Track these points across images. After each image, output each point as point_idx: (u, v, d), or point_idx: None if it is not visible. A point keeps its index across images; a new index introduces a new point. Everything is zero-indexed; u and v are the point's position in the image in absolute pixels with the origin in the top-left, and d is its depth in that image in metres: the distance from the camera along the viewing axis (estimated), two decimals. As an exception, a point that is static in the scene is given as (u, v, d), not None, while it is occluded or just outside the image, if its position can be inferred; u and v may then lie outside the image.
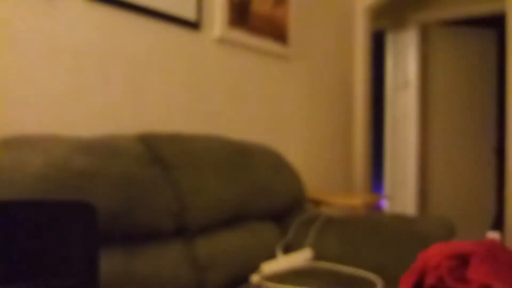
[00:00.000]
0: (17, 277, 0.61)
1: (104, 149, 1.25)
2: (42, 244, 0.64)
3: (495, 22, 3.96)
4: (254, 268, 1.52)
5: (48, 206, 0.66)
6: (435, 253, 0.68)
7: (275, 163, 1.80)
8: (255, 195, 1.64)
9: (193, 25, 1.86)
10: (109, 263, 1.14)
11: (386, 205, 3.96)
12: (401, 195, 3.78)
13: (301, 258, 1.60)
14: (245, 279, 1.48)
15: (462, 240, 0.74)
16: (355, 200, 2.08)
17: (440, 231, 1.46)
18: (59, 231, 0.65)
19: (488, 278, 0.60)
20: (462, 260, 0.65)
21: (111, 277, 1.12)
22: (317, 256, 1.64)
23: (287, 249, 1.70)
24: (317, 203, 2.21)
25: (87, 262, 0.67)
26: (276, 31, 2.30)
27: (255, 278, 1.41)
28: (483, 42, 3.79)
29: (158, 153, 1.43)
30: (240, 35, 2.09)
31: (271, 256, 1.60)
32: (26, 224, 0.63)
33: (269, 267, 1.51)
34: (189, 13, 1.84)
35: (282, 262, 1.55)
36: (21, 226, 0.63)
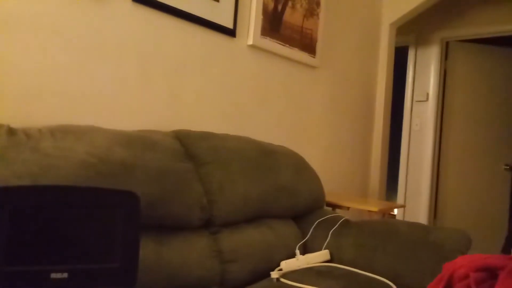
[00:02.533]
0: (63, 259, 0.62)
1: (142, 143, 1.25)
2: (89, 228, 0.64)
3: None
4: (274, 264, 1.50)
5: (96, 193, 0.66)
6: (462, 265, 0.65)
7: (297, 165, 1.78)
8: (277, 194, 1.62)
9: (229, 32, 1.86)
10: (141, 251, 1.14)
11: (397, 214, 3.89)
12: (413, 205, 3.71)
13: (319, 258, 1.58)
14: (265, 274, 1.46)
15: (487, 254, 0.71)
16: (373, 206, 2.05)
17: (456, 243, 1.42)
18: (104, 216, 0.65)
19: (517, 293, 0.57)
20: (490, 274, 0.62)
21: (142, 264, 1.12)
22: (334, 258, 1.61)
23: (305, 249, 1.68)
24: (334, 206, 2.18)
25: (128, 247, 0.67)
26: (305, 42, 2.29)
27: (274, 275, 1.40)
28: (504, 60, 3.69)
29: (191, 149, 1.43)
30: (271, 44, 2.08)
31: (290, 254, 1.58)
32: (75, 209, 0.63)
33: (288, 265, 1.49)
34: (226, 21, 1.84)
35: (300, 261, 1.53)
36: (69, 210, 0.63)
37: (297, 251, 1.58)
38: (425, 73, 3.69)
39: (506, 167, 3.66)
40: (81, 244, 0.64)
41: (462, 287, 0.62)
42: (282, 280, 1.36)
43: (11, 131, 1.07)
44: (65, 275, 0.63)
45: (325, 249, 1.63)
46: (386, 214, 2.28)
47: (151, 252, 1.16)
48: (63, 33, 1.34)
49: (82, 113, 1.40)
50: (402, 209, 3.78)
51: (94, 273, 0.64)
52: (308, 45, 2.30)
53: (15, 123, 1.24)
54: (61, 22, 1.33)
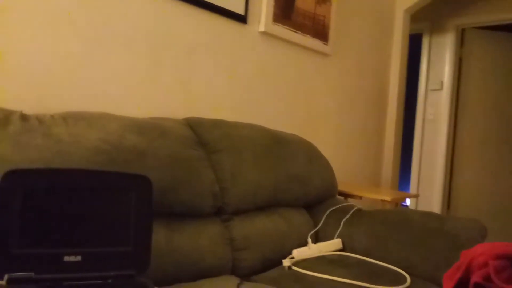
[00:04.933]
0: (76, 242, 0.62)
1: (154, 129, 1.25)
2: (102, 212, 0.64)
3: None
4: (286, 253, 1.50)
5: (109, 177, 0.66)
6: (482, 252, 0.63)
7: (309, 154, 1.77)
8: (289, 183, 1.61)
9: (241, 19, 1.84)
10: (153, 237, 1.14)
11: (409, 204, 3.86)
12: (426, 195, 3.67)
13: (331, 247, 1.57)
14: (277, 262, 1.46)
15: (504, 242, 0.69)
16: (385, 196, 2.03)
17: (471, 232, 1.39)
18: (118, 200, 0.65)
19: (539, 281, 0.56)
20: (511, 262, 0.61)
21: (154, 250, 1.12)
22: (346, 247, 1.60)
23: (317, 238, 1.67)
24: (346, 195, 2.16)
25: (141, 231, 0.66)
26: (318, 28, 2.25)
27: (286, 263, 1.39)
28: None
29: (202, 137, 1.43)
30: (283, 30, 2.05)
31: (302, 243, 1.57)
32: (88, 192, 0.63)
33: (300, 253, 1.49)
34: (238, 7, 1.81)
35: (312, 250, 1.52)
36: (83, 194, 0.63)
37: (309, 240, 1.58)
38: (440, 61, 3.62)
39: (522, 157, 3.60)
40: (94, 227, 0.64)
41: (481, 275, 0.61)
42: (294, 268, 1.36)
43: (23, 117, 1.07)
44: (78, 258, 0.63)
45: (337, 238, 1.62)
46: (399, 204, 2.26)
47: (162, 238, 1.16)
48: (74, 20, 1.33)
49: (93, 100, 1.40)
50: (414, 199, 3.75)
51: (107, 256, 0.64)
52: (320, 32, 2.27)
53: (28, 110, 1.24)
54: (72, 10, 1.32)
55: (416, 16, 3.74)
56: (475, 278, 0.62)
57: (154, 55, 1.56)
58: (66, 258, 0.62)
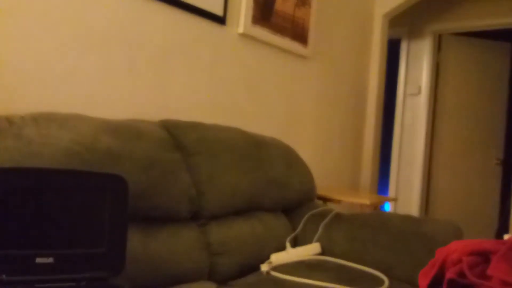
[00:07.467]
0: (48, 243, 0.61)
1: (129, 132, 1.24)
2: (75, 212, 0.63)
3: (510, 35, 3.91)
4: (264, 257, 1.51)
5: (83, 176, 0.65)
6: (456, 249, 0.66)
7: (288, 158, 1.79)
8: (268, 186, 1.62)
9: (219, 20, 1.85)
10: (128, 242, 1.13)
11: (389, 208, 3.93)
12: (404, 199, 3.75)
13: (309, 251, 1.59)
14: (254, 267, 1.47)
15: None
16: (364, 200, 2.06)
17: (448, 234, 1.44)
18: (91, 200, 0.65)
19: (509, 276, 0.59)
20: (483, 258, 0.64)
21: (129, 255, 1.12)
22: (325, 251, 1.63)
23: (296, 242, 1.69)
24: (325, 199, 2.19)
25: (115, 232, 0.66)
26: (297, 31, 2.29)
27: (264, 267, 1.40)
28: (497, 54, 3.75)
29: (179, 139, 1.43)
30: (262, 32, 2.07)
31: (280, 247, 1.59)
32: (61, 192, 0.62)
33: (278, 258, 1.50)
34: (216, 8, 1.83)
35: (291, 254, 1.54)
36: (56, 194, 0.62)
37: (288, 244, 1.59)
38: (418, 66, 3.73)
39: (497, 161, 3.72)
40: (67, 228, 0.63)
41: (455, 271, 0.63)
42: (272, 273, 1.37)
43: (-8, 118, 1.05)
44: (51, 259, 0.62)
45: (316, 242, 1.65)
46: (378, 207, 2.31)
47: (138, 243, 1.16)
48: (47, 19, 1.32)
49: (66, 101, 1.38)
50: (393, 204, 3.82)
51: (80, 258, 0.63)
52: (299, 34, 2.31)
53: (-4, 110, 1.22)
54: (45, 8, 1.31)
55: (394, 22, 3.84)
56: (450, 274, 0.64)
57: (130, 55, 1.56)
58: (38, 260, 0.62)
